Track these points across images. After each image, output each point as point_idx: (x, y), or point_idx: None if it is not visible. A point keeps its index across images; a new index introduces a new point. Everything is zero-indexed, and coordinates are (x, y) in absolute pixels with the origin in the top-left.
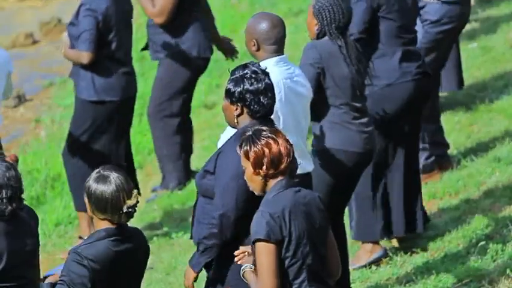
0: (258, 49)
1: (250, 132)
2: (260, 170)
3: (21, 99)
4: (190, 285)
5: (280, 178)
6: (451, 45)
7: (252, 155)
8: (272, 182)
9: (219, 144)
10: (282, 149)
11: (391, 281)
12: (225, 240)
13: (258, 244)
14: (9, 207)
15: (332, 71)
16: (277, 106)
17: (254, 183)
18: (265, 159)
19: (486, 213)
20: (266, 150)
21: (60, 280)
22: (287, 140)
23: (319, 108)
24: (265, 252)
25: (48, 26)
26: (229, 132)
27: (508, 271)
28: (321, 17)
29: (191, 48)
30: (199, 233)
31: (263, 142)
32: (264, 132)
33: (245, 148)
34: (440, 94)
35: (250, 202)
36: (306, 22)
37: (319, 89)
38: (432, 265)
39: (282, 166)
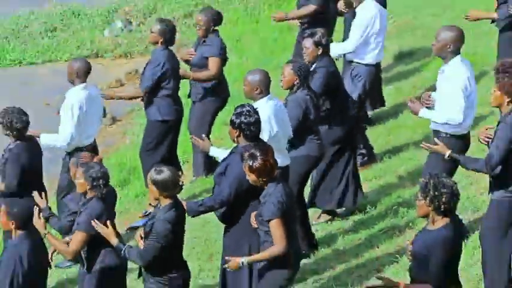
0: (260, 93)
1: (248, 153)
2: (262, 178)
3: (114, 120)
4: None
5: (275, 177)
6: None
7: (255, 168)
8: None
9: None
10: (272, 161)
11: (341, 230)
12: (216, 211)
13: (276, 221)
14: (104, 190)
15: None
16: (272, 124)
17: (257, 184)
18: (265, 171)
19: (398, 189)
20: (264, 165)
21: (152, 237)
22: (273, 154)
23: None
24: (281, 225)
25: (130, 74)
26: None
27: (410, 224)
28: (300, 74)
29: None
30: (190, 205)
31: (258, 162)
32: (259, 154)
33: (249, 163)
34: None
35: (240, 195)
36: (284, 77)
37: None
38: (366, 221)
39: (274, 173)
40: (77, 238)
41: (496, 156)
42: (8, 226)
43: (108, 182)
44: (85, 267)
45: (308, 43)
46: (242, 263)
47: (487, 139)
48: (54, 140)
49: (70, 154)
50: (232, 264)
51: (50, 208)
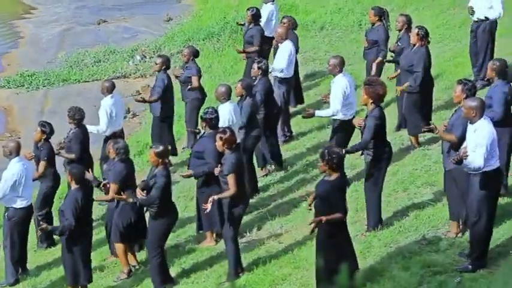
0: (225, 99)
1: (222, 130)
2: (228, 146)
3: (134, 115)
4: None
5: (233, 148)
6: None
7: (224, 139)
8: (228, 151)
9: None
10: (234, 138)
11: (273, 181)
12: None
13: (230, 175)
14: (124, 156)
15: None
16: (232, 115)
17: (222, 150)
18: (229, 142)
19: (306, 156)
20: (230, 138)
21: (156, 187)
22: (233, 134)
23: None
24: (233, 177)
25: (144, 87)
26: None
27: (314, 178)
28: (246, 88)
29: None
30: (195, 170)
31: (227, 135)
32: (226, 133)
33: (220, 135)
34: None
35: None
36: (237, 90)
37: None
38: (288, 176)
39: (234, 145)
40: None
41: (368, 137)
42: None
43: (128, 152)
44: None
45: (255, 66)
46: (213, 198)
47: (359, 126)
48: (96, 129)
49: (108, 138)
50: (209, 203)
51: (95, 177)
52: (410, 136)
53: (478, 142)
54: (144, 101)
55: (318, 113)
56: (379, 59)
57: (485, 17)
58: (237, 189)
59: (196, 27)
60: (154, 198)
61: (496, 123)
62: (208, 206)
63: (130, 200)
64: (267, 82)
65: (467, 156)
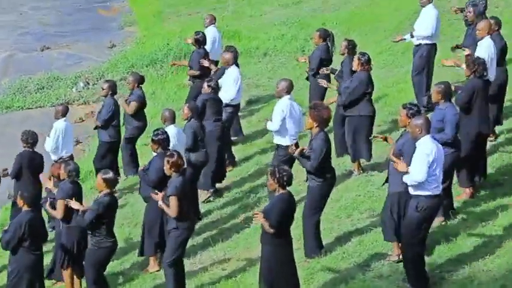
0: (166, 121)
1: (170, 153)
2: (175, 169)
3: (77, 142)
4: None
5: (180, 171)
6: None
7: (171, 164)
8: (175, 174)
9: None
10: (181, 161)
11: (216, 207)
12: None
13: (172, 197)
14: (77, 178)
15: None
16: (175, 139)
17: (169, 173)
18: (176, 165)
19: (248, 182)
20: (177, 162)
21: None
22: (181, 157)
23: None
24: (175, 200)
25: (88, 114)
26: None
27: (258, 204)
28: (192, 110)
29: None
30: (144, 188)
31: (175, 159)
32: (174, 156)
33: (167, 159)
34: None
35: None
36: (183, 112)
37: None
38: (231, 201)
39: (181, 168)
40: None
41: (315, 161)
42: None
43: (79, 175)
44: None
45: (205, 85)
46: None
47: (308, 151)
48: (49, 150)
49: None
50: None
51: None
52: (353, 162)
53: (419, 156)
54: (96, 127)
55: (268, 124)
56: (325, 71)
57: (422, 42)
58: (179, 214)
59: (139, 53)
60: (86, 221)
61: (445, 145)
62: (157, 197)
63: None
64: (218, 98)
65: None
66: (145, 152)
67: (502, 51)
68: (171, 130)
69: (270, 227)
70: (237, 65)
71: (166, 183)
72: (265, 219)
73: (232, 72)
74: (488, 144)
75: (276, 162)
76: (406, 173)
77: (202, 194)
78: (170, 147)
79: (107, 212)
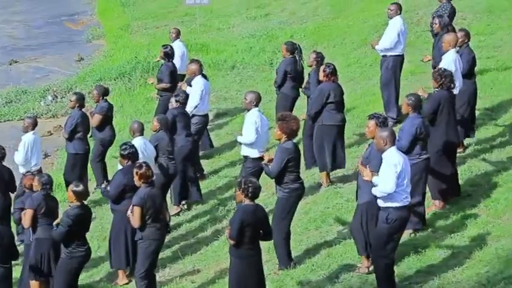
0: (134, 134)
1: (138, 165)
2: (144, 180)
3: (46, 155)
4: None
5: (149, 183)
6: None
7: (139, 175)
8: (144, 185)
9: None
10: (149, 172)
11: (185, 220)
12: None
13: (136, 207)
14: (50, 191)
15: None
16: (143, 151)
17: (138, 184)
18: (144, 176)
19: (218, 195)
20: (145, 173)
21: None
22: (149, 168)
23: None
24: (138, 210)
25: (56, 127)
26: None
27: (226, 217)
28: (161, 122)
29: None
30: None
31: (143, 170)
32: (142, 167)
33: (136, 170)
34: None
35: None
36: (153, 125)
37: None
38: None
39: (150, 180)
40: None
41: (275, 170)
42: None
43: (52, 187)
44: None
45: (173, 100)
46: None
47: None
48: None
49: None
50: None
51: None
52: (321, 174)
53: (387, 167)
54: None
55: (239, 138)
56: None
57: (387, 54)
58: (141, 224)
59: (107, 66)
60: (59, 236)
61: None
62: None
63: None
64: (186, 113)
65: (374, 175)
66: (115, 164)
67: (471, 64)
68: (138, 142)
69: (229, 238)
70: (205, 77)
71: (125, 198)
72: (229, 230)
73: (198, 82)
74: (458, 156)
75: (244, 175)
76: (374, 185)
77: (172, 209)
78: (140, 159)
79: (78, 223)
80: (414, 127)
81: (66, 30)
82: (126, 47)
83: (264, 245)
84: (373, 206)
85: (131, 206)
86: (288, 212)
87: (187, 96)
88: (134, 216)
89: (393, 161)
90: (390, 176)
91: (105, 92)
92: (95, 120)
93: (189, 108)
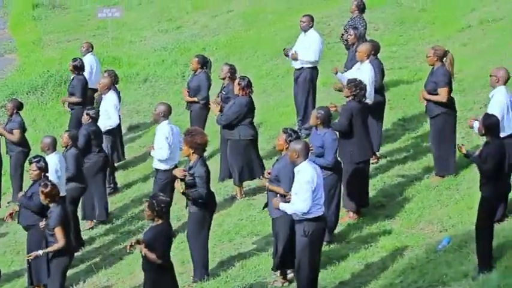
0: (51, 151)
1: (44, 183)
2: (51, 199)
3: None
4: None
5: (57, 201)
6: None
7: (45, 194)
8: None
9: None
10: (55, 191)
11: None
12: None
13: (57, 228)
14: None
15: None
16: (58, 166)
17: (47, 203)
18: (51, 195)
19: (132, 208)
20: (51, 192)
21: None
22: (56, 188)
23: None
24: (61, 230)
25: None
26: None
27: (143, 228)
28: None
29: None
30: (24, 217)
31: (48, 189)
32: (47, 186)
33: (41, 189)
34: None
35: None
36: None
37: None
38: (114, 228)
39: (57, 197)
40: None
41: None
42: None
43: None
44: None
45: (84, 114)
46: (38, 254)
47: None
48: None
49: None
50: (33, 256)
51: None
52: (236, 186)
53: (301, 185)
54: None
55: (152, 153)
56: (201, 101)
57: (304, 66)
58: (64, 242)
59: (19, 80)
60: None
61: (324, 168)
62: (31, 257)
63: None
64: (98, 129)
65: (289, 199)
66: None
67: (380, 75)
68: (53, 159)
69: (157, 258)
70: (115, 89)
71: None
72: (150, 250)
73: (111, 97)
74: (370, 167)
75: (156, 187)
76: (287, 201)
77: (86, 223)
78: (56, 175)
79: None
80: (335, 142)
81: None
82: (38, 61)
83: (178, 257)
84: (286, 219)
85: (52, 228)
86: (201, 227)
87: (98, 111)
88: (58, 236)
89: (306, 177)
90: (305, 195)
91: (19, 106)
92: (16, 135)
93: (107, 127)
